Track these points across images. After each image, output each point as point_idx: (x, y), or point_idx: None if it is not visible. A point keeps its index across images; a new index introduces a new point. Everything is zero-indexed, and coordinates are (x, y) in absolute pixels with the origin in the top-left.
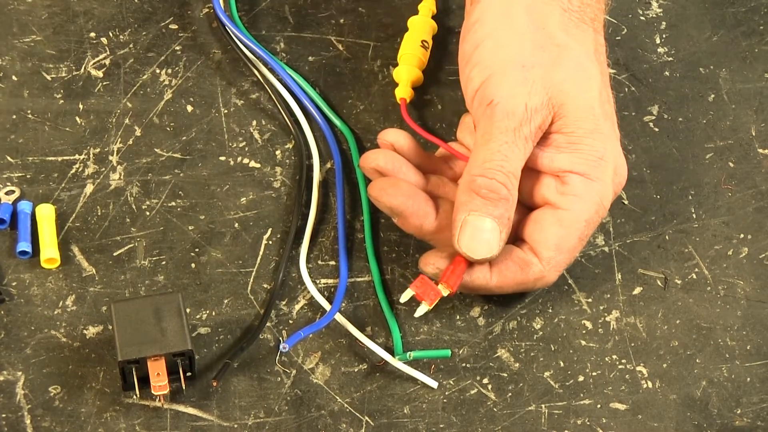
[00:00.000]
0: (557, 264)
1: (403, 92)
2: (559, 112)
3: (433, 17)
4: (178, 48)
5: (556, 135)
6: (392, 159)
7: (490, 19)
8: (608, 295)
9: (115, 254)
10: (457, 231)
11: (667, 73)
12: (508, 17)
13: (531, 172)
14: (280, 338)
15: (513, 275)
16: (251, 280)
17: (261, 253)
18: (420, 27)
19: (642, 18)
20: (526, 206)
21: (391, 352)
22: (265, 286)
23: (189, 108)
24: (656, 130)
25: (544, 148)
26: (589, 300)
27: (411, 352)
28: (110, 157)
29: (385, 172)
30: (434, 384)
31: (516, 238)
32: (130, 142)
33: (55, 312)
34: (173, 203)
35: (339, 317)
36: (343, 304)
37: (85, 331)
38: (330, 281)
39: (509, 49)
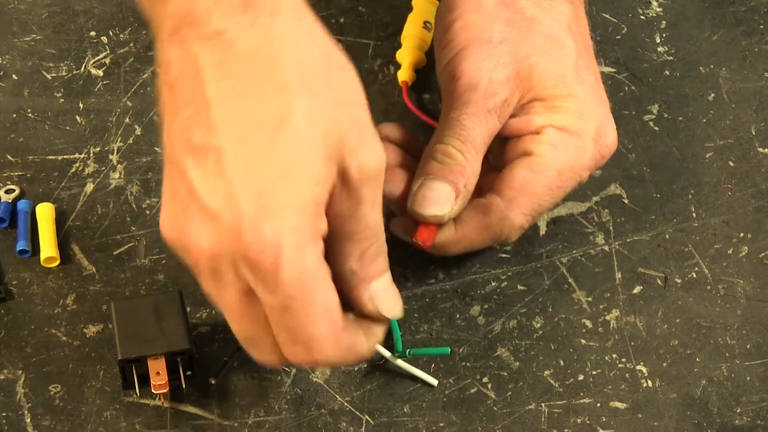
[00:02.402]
0: (521, 205)
1: (404, 75)
2: (529, 84)
3: None
4: None
5: (532, 103)
6: (390, 152)
7: (460, 1)
8: (608, 294)
9: (115, 253)
10: (411, 194)
11: (667, 72)
12: None
13: (512, 139)
14: None
15: (475, 221)
16: None
17: None
18: (424, 8)
19: (642, 17)
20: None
21: (391, 351)
22: None
23: None
24: (656, 129)
25: (522, 116)
26: (589, 299)
27: (410, 349)
28: (110, 156)
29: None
30: (434, 382)
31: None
32: (131, 141)
33: (56, 311)
34: None
35: None
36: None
37: (85, 330)
38: None
39: (476, 28)
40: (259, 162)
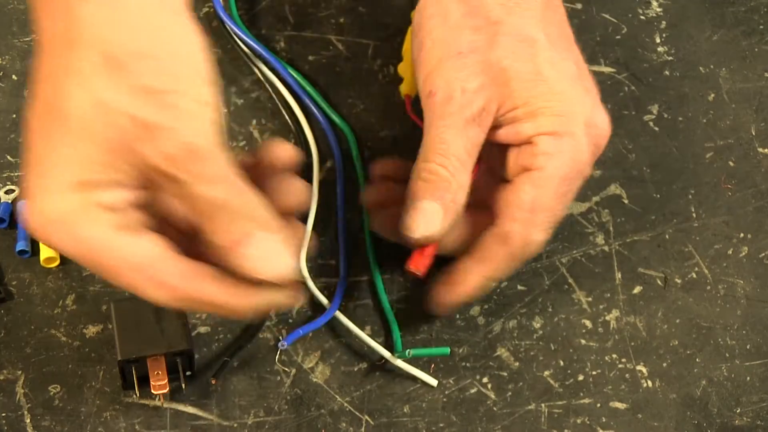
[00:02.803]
0: (538, 223)
1: (407, 88)
2: (506, 90)
3: None
4: None
5: (514, 111)
6: (385, 189)
7: (426, 19)
8: (608, 295)
9: None
10: (404, 215)
11: (667, 72)
12: (442, 12)
13: (504, 150)
14: (280, 337)
15: (500, 255)
16: None
17: None
18: None
19: (642, 17)
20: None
21: (391, 351)
22: None
23: None
24: (656, 129)
25: (508, 126)
26: (589, 299)
27: (410, 350)
28: None
29: (385, 203)
30: (434, 382)
31: (496, 215)
32: None
33: (55, 311)
34: None
35: (339, 316)
36: (343, 303)
37: (84, 331)
38: (330, 280)
39: (445, 43)
40: (41, 147)
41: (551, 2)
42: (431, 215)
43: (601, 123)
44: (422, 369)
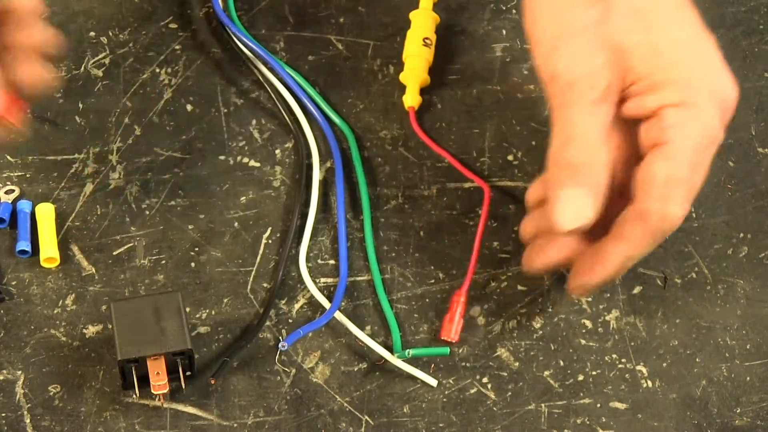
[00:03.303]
0: (674, 197)
1: (411, 100)
2: (627, 65)
3: (434, 7)
4: (177, 47)
5: (637, 84)
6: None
7: None
8: (608, 295)
9: (114, 253)
10: (549, 212)
11: None
12: None
13: (633, 127)
14: (280, 337)
15: (637, 233)
16: (251, 280)
17: (261, 252)
18: (422, 22)
19: None
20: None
21: (391, 351)
22: (265, 285)
23: (189, 107)
24: None
25: (633, 99)
26: (589, 299)
27: (410, 350)
28: (110, 157)
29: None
30: (434, 382)
31: (633, 194)
32: (130, 141)
33: (55, 311)
34: (173, 202)
35: (339, 316)
36: (343, 303)
37: (84, 331)
38: (330, 280)
39: (559, 20)
40: None
41: None
42: (581, 202)
43: (725, 88)
44: (422, 369)
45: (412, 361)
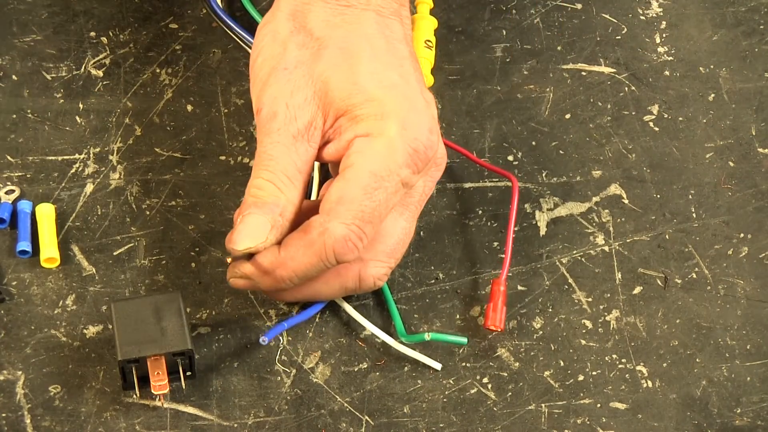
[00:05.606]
0: (338, 214)
1: None
2: (328, 101)
3: (431, 11)
4: (178, 47)
5: (338, 121)
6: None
7: (260, 37)
8: (608, 295)
9: (115, 254)
10: (233, 229)
11: (667, 72)
12: (273, 30)
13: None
14: (280, 337)
15: (296, 240)
16: None
17: None
18: (423, 25)
19: (642, 17)
20: None
21: (395, 338)
22: None
23: (189, 107)
24: (656, 129)
25: (336, 139)
26: (589, 299)
27: (429, 333)
28: (110, 157)
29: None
30: (438, 366)
31: None
32: (130, 141)
33: (55, 311)
34: (173, 203)
35: (341, 310)
36: (343, 303)
37: (85, 331)
38: None
39: (273, 59)
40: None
41: (384, 20)
42: (256, 228)
43: (418, 126)
44: (424, 359)
45: (414, 346)
